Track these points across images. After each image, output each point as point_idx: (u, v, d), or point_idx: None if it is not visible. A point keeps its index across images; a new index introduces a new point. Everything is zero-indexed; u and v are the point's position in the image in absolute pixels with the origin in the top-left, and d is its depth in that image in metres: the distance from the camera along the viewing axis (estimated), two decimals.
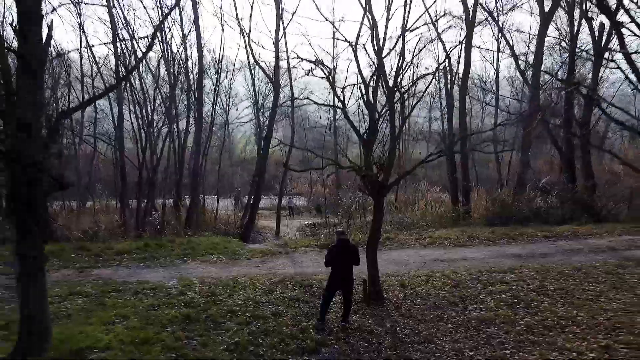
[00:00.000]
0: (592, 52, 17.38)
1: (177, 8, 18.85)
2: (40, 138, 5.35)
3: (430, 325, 6.88)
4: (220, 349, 6.00)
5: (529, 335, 6.40)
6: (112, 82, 19.86)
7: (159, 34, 17.47)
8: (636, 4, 7.86)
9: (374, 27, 6.67)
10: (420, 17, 7.90)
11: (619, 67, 7.45)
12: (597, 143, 23.51)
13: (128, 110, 19.20)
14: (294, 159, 31.55)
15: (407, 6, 6.70)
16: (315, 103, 7.77)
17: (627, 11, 7.56)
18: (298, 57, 6.82)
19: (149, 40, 6.68)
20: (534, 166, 24.70)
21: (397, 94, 7.26)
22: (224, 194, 27.15)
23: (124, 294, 8.22)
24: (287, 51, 19.68)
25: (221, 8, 37.73)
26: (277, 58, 16.89)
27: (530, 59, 20.74)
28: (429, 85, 7.90)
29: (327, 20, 7.62)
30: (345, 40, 7.03)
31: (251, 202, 18.98)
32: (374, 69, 7.14)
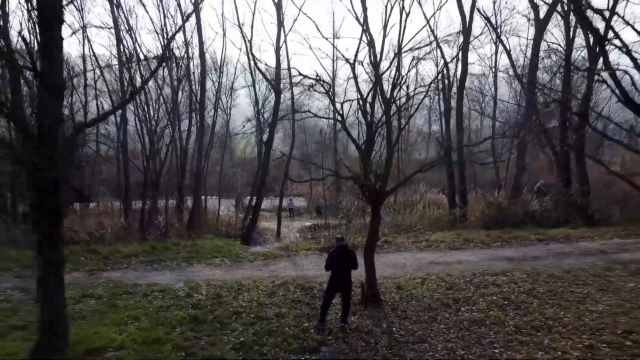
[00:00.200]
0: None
1: (179, 13, 19.34)
2: (60, 151, 5.76)
3: (424, 326, 7.25)
4: (227, 348, 6.37)
5: (518, 335, 6.73)
6: (114, 84, 20.39)
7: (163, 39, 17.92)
8: (623, 17, 8.25)
9: (371, 44, 7.08)
10: (419, 31, 8.29)
11: (604, 82, 7.80)
12: (595, 145, 23.87)
13: (132, 114, 19.58)
14: (295, 163, 31.83)
15: (403, 24, 7.11)
16: (316, 116, 8.20)
17: (612, 27, 7.93)
18: (300, 74, 7.24)
19: (158, 60, 7.07)
20: (532, 167, 25.08)
21: (394, 106, 7.65)
22: (224, 194, 27.49)
23: (134, 296, 8.62)
24: (287, 57, 20.08)
25: (223, 14, 38.18)
26: (278, 66, 17.29)
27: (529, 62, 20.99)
28: (423, 98, 8.30)
29: (326, 38, 8.04)
30: (345, 59, 7.45)
31: (253, 205, 19.34)
32: (372, 81, 7.54)
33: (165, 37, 17.38)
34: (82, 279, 9.94)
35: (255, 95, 22.91)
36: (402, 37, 7.04)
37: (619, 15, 8.77)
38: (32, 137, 5.33)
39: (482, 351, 6.32)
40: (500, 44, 23.66)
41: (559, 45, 20.38)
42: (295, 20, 38.36)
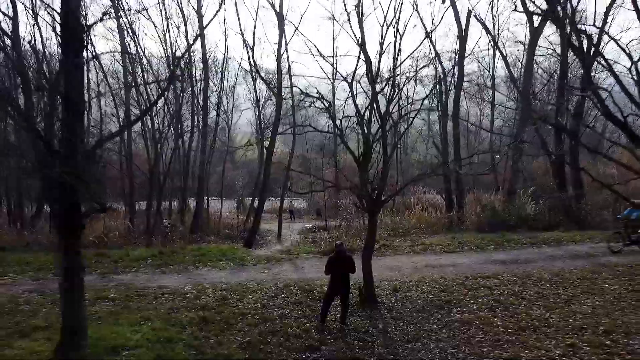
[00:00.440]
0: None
1: (181, 17, 19.85)
2: (84, 166, 6.27)
3: (417, 327, 7.67)
4: (234, 347, 6.83)
5: (505, 335, 7.12)
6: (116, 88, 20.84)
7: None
8: (608, 34, 8.76)
9: (368, 63, 7.58)
10: (418, 46, 8.78)
11: (588, 97, 8.30)
12: (593, 145, 24.17)
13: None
14: (295, 162, 32.08)
15: (397, 44, 7.63)
16: (316, 130, 8.69)
17: (597, 46, 8.43)
18: (302, 92, 7.73)
19: (165, 84, 7.56)
20: (529, 169, 25.55)
21: (390, 120, 8.15)
22: (225, 194, 27.88)
23: (146, 298, 9.12)
24: (288, 62, 20.48)
25: (225, 20, 38.84)
26: (279, 72, 17.77)
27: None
28: (418, 111, 8.81)
29: (325, 59, 8.56)
30: (343, 78, 7.94)
31: (255, 208, 19.81)
32: (369, 98, 8.04)
33: (170, 46, 17.88)
34: (95, 282, 10.40)
35: (256, 98, 23.31)
36: (398, 57, 7.56)
37: (606, 33, 9.27)
38: (58, 155, 5.83)
39: (471, 350, 6.71)
40: (497, 49, 24.14)
41: (554, 51, 20.85)
42: (294, 32, 38.66)
